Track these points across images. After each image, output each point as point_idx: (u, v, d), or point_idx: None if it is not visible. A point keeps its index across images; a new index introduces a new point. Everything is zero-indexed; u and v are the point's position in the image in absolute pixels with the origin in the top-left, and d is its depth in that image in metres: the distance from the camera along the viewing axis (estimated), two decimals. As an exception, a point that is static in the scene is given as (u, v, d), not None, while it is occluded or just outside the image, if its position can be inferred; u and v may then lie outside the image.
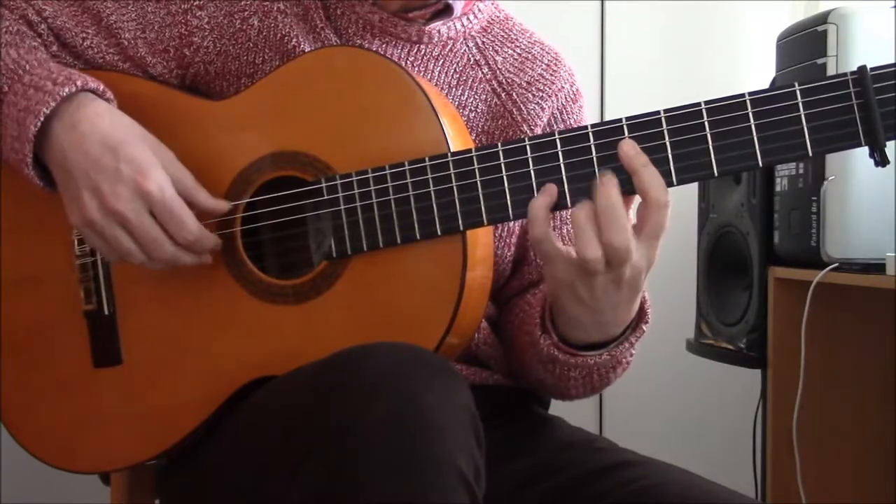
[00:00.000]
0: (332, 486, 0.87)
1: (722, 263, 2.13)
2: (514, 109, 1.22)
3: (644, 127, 1.01)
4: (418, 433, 0.87)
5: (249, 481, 1.03)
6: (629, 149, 1.00)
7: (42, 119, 1.07)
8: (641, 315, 1.10)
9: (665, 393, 2.51)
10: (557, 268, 1.03)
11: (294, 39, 1.18)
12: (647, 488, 1.07)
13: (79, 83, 1.09)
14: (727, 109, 0.99)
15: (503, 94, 1.23)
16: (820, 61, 1.79)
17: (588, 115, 1.29)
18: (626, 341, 1.10)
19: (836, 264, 1.78)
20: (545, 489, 1.12)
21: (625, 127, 1.01)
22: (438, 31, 1.21)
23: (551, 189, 1.02)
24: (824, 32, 1.79)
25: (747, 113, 0.99)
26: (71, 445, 1.18)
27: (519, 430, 1.19)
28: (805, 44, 1.85)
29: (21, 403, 1.19)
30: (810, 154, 0.99)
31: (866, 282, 1.71)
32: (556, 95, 1.24)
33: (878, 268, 1.69)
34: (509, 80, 1.23)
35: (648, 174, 0.99)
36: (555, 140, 1.02)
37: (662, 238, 1.01)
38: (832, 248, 1.79)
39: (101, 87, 1.12)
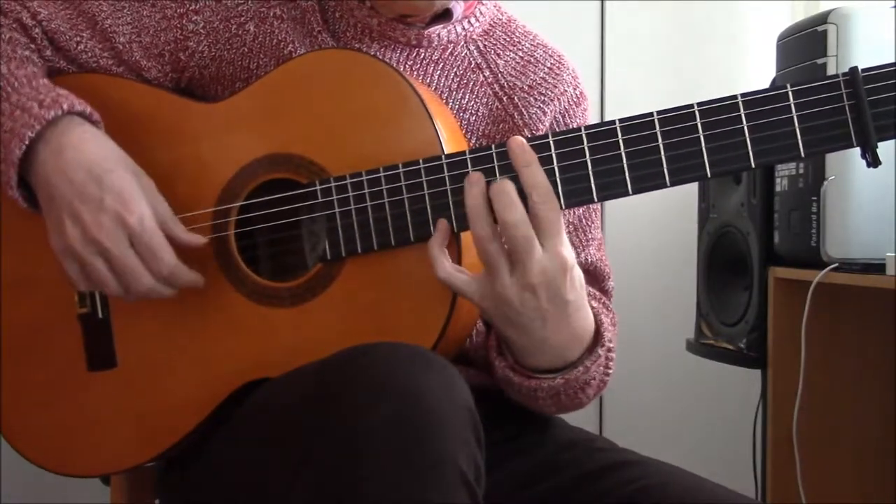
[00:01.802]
0: (333, 487, 0.87)
1: (722, 263, 2.13)
2: (515, 113, 1.22)
3: (637, 129, 1.01)
4: (419, 433, 0.87)
5: (250, 481, 1.03)
6: (515, 147, 1.01)
7: (27, 143, 1.07)
8: (598, 338, 1.09)
9: (665, 393, 2.51)
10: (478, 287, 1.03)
11: (290, 45, 1.18)
12: (647, 488, 1.07)
13: (65, 106, 1.09)
14: (720, 111, 1.00)
15: (504, 98, 1.22)
16: (820, 61, 1.79)
17: (591, 117, 1.29)
18: (581, 365, 1.08)
19: (836, 264, 1.78)
20: (545, 489, 1.12)
21: (618, 129, 1.01)
22: (438, 35, 1.20)
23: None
24: (824, 32, 1.79)
25: (740, 114, 0.99)
26: (67, 449, 1.18)
27: (518, 431, 1.18)
28: (805, 44, 1.85)
29: (17, 408, 1.19)
30: (802, 155, 0.99)
31: (866, 282, 1.71)
32: (559, 99, 1.24)
33: (878, 268, 1.69)
34: (511, 84, 1.23)
35: (530, 173, 1.00)
36: (548, 142, 1.02)
37: (563, 238, 1.01)
38: (832, 248, 1.79)
39: (88, 109, 1.11)
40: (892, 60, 0.98)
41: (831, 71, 1.77)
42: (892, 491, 1.94)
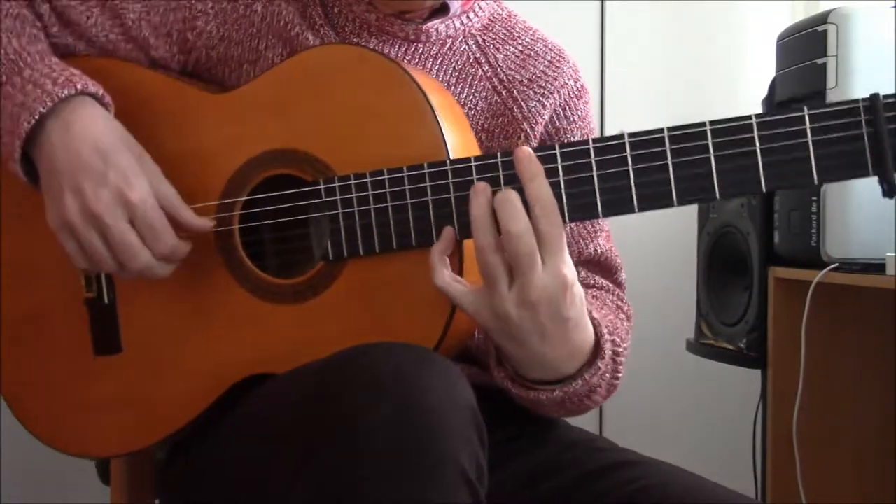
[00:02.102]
0: (335, 485, 0.87)
1: (722, 263, 2.13)
2: (514, 107, 1.22)
3: (647, 144, 0.98)
4: (421, 432, 0.87)
5: (251, 480, 1.03)
6: (523, 158, 0.99)
7: (36, 117, 1.07)
8: (598, 351, 1.08)
9: (665, 393, 2.51)
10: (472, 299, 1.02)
11: (297, 27, 1.18)
12: (648, 488, 1.07)
13: (79, 86, 1.09)
14: (732, 131, 0.96)
15: (504, 92, 1.22)
16: (820, 61, 1.79)
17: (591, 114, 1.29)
18: (580, 378, 1.06)
19: (836, 264, 1.78)
20: (546, 489, 1.12)
21: (627, 143, 0.98)
22: (437, 30, 1.20)
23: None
24: (824, 32, 1.79)
25: (753, 136, 0.96)
26: (70, 429, 1.18)
27: (520, 430, 1.18)
28: (805, 44, 1.85)
29: (24, 386, 1.19)
30: (816, 182, 0.95)
31: (866, 282, 1.71)
32: (559, 92, 1.23)
33: (878, 268, 1.69)
34: (510, 78, 1.23)
35: (535, 186, 0.99)
36: (555, 154, 1.00)
37: (565, 255, 0.99)
38: (832, 248, 1.79)
39: (101, 91, 1.11)
40: (893, 60, 0.97)
41: (831, 71, 1.77)
42: (892, 491, 1.94)
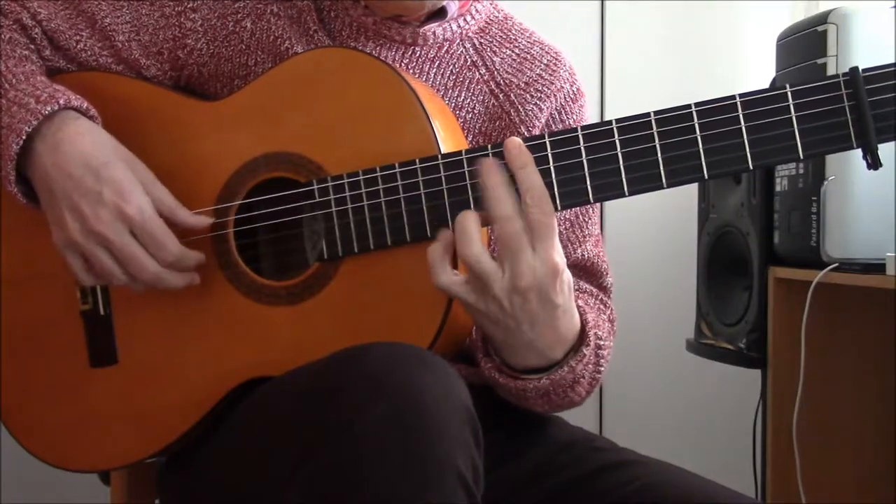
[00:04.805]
0: (331, 486, 0.87)
1: (722, 263, 2.13)
2: (511, 110, 1.22)
3: (634, 129, 1.00)
4: (417, 433, 0.87)
5: (249, 481, 1.03)
6: (512, 148, 1.01)
7: (24, 137, 1.08)
8: (583, 338, 1.09)
9: (665, 393, 2.51)
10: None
11: (287, 42, 1.18)
12: (647, 488, 1.07)
13: (61, 101, 1.09)
14: (718, 111, 0.99)
15: (501, 95, 1.22)
16: (820, 61, 1.79)
17: (589, 115, 1.29)
18: (566, 365, 1.07)
19: (836, 264, 1.78)
20: (545, 489, 1.12)
21: (615, 129, 1.01)
22: (434, 33, 1.20)
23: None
24: (824, 32, 1.79)
25: (738, 115, 0.98)
26: (68, 444, 1.18)
27: (519, 430, 1.18)
28: (805, 44, 1.85)
29: (20, 401, 1.19)
30: (801, 157, 0.98)
31: (866, 282, 1.71)
32: (555, 95, 1.24)
33: (878, 268, 1.69)
34: (507, 81, 1.23)
35: (525, 175, 1.00)
36: (545, 143, 1.02)
37: (555, 242, 1.00)
38: (832, 248, 1.79)
39: (85, 104, 1.12)
40: (893, 60, 0.98)
41: (831, 71, 1.77)
42: (892, 491, 1.94)
